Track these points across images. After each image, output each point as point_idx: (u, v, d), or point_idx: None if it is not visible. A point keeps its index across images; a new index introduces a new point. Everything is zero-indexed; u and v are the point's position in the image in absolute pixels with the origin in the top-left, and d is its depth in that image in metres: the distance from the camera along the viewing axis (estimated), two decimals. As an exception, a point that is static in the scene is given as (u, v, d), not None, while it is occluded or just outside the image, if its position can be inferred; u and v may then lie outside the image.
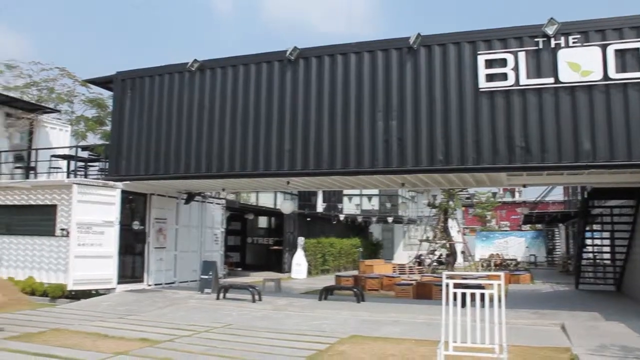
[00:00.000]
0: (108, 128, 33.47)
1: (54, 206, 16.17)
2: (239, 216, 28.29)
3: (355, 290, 15.46)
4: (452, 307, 6.79)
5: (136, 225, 17.46)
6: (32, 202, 16.74)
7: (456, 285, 6.94)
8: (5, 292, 12.11)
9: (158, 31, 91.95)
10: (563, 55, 12.00)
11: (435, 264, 29.92)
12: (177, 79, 15.93)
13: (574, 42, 11.98)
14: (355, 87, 13.76)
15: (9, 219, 16.83)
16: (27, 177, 19.15)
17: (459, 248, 35.33)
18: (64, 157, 18.90)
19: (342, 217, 34.28)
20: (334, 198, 36.09)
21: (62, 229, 15.64)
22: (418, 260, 30.44)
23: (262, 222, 32.30)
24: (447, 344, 6.78)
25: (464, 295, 6.83)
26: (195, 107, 15.47)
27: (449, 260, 30.42)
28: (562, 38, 12.05)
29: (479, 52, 12.66)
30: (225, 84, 15.22)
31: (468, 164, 12.69)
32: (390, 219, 37.76)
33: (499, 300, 6.62)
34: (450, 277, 7.05)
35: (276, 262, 27.97)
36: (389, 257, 37.68)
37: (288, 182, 15.96)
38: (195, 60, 15.52)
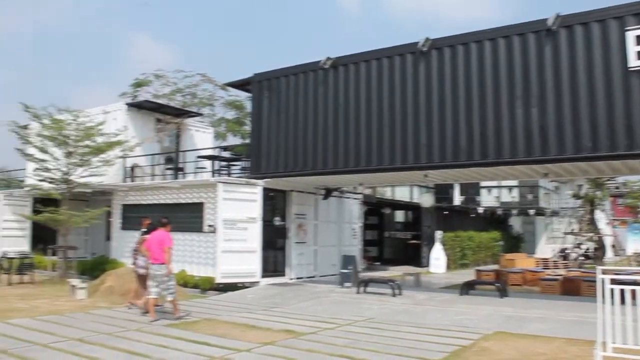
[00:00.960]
0: (247, 128, 35.05)
1: (201, 204, 17.12)
2: (375, 210, 28.36)
3: (497, 285, 14.99)
4: (608, 305, 6.36)
5: (277, 221, 18.11)
6: (182, 201, 17.87)
7: (613, 281, 6.47)
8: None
9: (288, 32, 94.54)
10: None
11: (581, 258, 28.18)
12: (311, 77, 16.28)
13: None
14: (491, 75, 13.29)
15: (162, 216, 18.05)
16: (176, 177, 20.45)
17: (608, 241, 33.05)
18: (208, 157, 19.96)
19: (480, 210, 33.30)
20: (471, 190, 35.15)
21: (210, 225, 16.53)
22: (563, 254, 28.84)
23: (399, 216, 32.13)
24: (605, 344, 6.35)
25: (622, 292, 6.36)
26: (330, 104, 15.74)
27: (598, 255, 28.51)
28: None
29: (627, 28, 11.69)
30: (358, 79, 15.33)
31: (619, 150, 11.80)
32: (531, 211, 36.09)
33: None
34: (605, 272, 6.59)
35: (414, 256, 27.68)
36: (531, 250, 35.99)
37: (426, 175, 15.76)
38: (328, 58, 15.77)
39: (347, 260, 16.96)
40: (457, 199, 33.99)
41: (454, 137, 13.67)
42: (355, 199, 22.28)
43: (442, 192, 31.42)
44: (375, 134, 14.86)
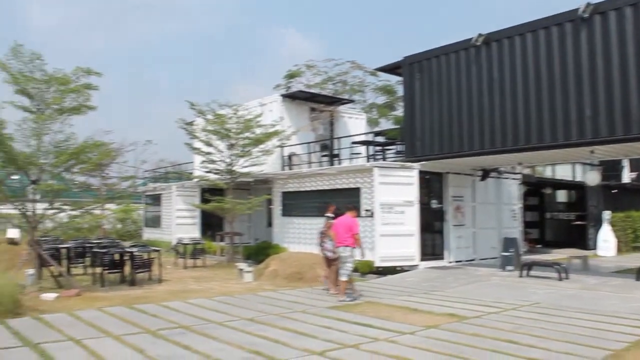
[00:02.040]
0: (398, 113, 34.98)
1: (358, 189, 17.31)
2: (535, 191, 27.09)
3: (680, 269, 13.71)
4: None
5: (434, 204, 17.92)
6: (338, 186, 18.20)
7: None
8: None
9: (434, 10, 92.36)
10: None
11: None
12: (462, 56, 15.90)
13: None
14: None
15: (319, 202, 18.59)
16: (332, 163, 20.88)
17: None
18: (362, 142, 20.15)
19: (656, 187, 30.49)
20: (644, 166, 32.29)
21: (367, 210, 16.70)
22: None
23: (561, 195, 30.41)
24: None
25: None
26: (484, 82, 15.27)
27: None
28: None
29: None
30: (513, 53, 14.71)
31: None
32: None
33: None
34: None
35: (579, 238, 26.09)
36: None
37: (592, 152, 14.74)
38: (480, 34, 15.31)
39: (508, 243, 16.41)
40: (627, 175, 31.39)
41: (624, 108, 12.61)
42: (513, 179, 21.43)
43: (610, 168, 29.18)
44: (534, 110, 14.16)
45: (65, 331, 8.33)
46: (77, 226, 17.15)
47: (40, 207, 13.65)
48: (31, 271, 13.11)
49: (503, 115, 14.77)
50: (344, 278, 11.58)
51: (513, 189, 21.52)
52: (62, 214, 14.33)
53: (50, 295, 11.65)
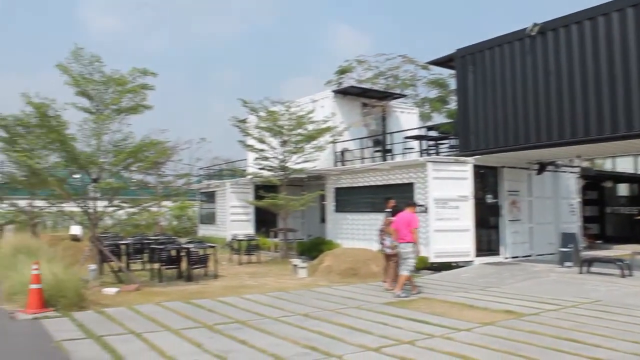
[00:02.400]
0: (451, 106, 34.46)
1: (411, 184, 17.15)
2: (594, 184, 26.27)
3: None
4: None
5: (489, 199, 17.62)
6: (392, 182, 18.06)
7: None
8: (379, 264, 13.52)
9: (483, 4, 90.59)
10: None
11: None
12: (517, 47, 15.57)
13: None
14: None
15: (373, 197, 18.54)
16: (384, 159, 20.77)
17: None
18: (415, 137, 19.96)
19: None
20: None
21: (420, 205, 16.56)
22: None
23: (622, 189, 29.41)
24: None
25: None
26: (539, 73, 14.91)
27: None
28: None
29: None
30: (570, 42, 14.29)
31: None
32: None
33: None
34: None
35: (642, 233, 25.20)
36: None
37: (656, 143, 14.23)
38: (535, 24, 14.94)
39: (567, 238, 16.00)
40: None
41: (690, 97, 12.10)
42: (571, 172, 20.86)
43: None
44: (593, 100, 13.72)
45: (127, 324, 8.58)
46: (135, 223, 17.61)
47: (100, 205, 14.06)
48: (93, 266, 13.52)
49: (560, 106, 14.38)
50: (405, 273, 11.50)
51: (571, 183, 20.96)
52: (120, 211, 14.72)
53: (111, 290, 12.03)
